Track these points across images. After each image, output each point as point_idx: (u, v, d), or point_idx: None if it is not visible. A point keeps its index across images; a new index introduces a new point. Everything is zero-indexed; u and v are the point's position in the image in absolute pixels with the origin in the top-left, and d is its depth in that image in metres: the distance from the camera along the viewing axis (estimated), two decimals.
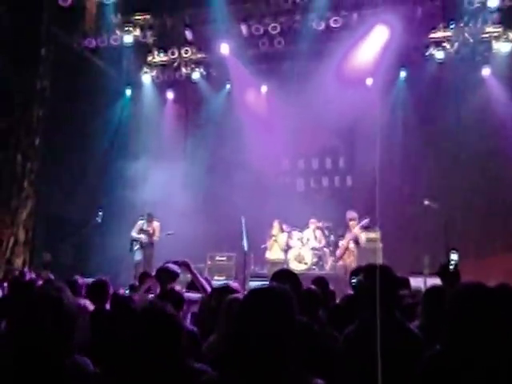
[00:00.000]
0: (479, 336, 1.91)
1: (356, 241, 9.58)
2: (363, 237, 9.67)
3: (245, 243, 9.21)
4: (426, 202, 9.46)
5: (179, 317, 2.68)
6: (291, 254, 11.15)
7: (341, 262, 9.52)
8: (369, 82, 12.20)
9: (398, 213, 11.25)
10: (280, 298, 2.00)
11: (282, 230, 11.28)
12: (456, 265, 4.34)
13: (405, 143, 11.76)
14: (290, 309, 1.99)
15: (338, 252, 9.69)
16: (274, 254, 11.17)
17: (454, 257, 4.39)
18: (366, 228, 9.81)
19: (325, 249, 11.47)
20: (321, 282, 4.84)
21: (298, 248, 11.25)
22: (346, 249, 9.52)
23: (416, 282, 6.74)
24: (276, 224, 11.16)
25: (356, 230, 9.55)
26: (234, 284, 3.93)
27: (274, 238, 11.13)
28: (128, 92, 13.30)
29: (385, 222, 10.16)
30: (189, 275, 4.74)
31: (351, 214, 9.72)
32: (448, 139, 11.34)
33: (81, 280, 4.54)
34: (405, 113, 11.94)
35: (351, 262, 9.23)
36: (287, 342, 1.92)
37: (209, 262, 11.35)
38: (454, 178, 11.23)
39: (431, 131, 11.64)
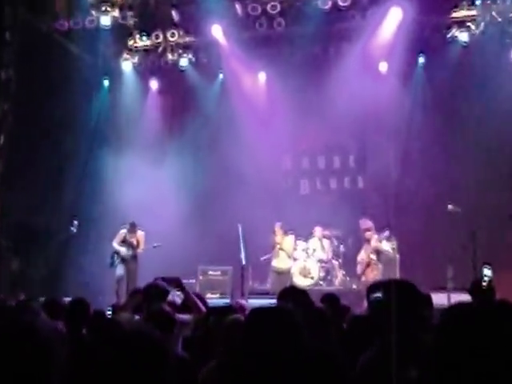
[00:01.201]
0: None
1: (378, 253, 9.61)
2: (386, 247, 9.67)
3: (242, 255, 9.27)
4: (450, 207, 9.54)
5: (168, 342, 2.72)
6: (295, 268, 11.21)
7: (363, 279, 9.55)
8: (383, 69, 12.28)
9: (417, 219, 11.32)
10: (285, 320, 2.05)
11: (287, 233, 11.31)
12: (490, 281, 4.40)
13: (425, 138, 11.82)
14: (297, 332, 2.04)
15: (359, 267, 9.72)
16: (281, 262, 11.21)
17: (487, 272, 4.46)
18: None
19: (333, 261, 11.53)
20: (331, 299, 4.90)
21: (302, 260, 11.30)
22: (368, 263, 9.57)
23: (438, 299, 6.82)
24: (277, 228, 11.20)
25: (374, 242, 9.58)
26: (242, 301, 3.97)
27: (278, 245, 11.19)
28: (106, 82, 13.33)
29: (402, 229, 10.26)
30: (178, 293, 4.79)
31: (366, 223, 9.77)
32: (474, 132, 11.37)
33: (60, 300, 4.58)
34: (424, 104, 12.01)
35: (375, 276, 9.25)
36: (294, 368, 1.97)
37: (200, 277, 11.37)
38: (482, 178, 11.27)
39: (455, 124, 11.70)
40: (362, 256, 9.76)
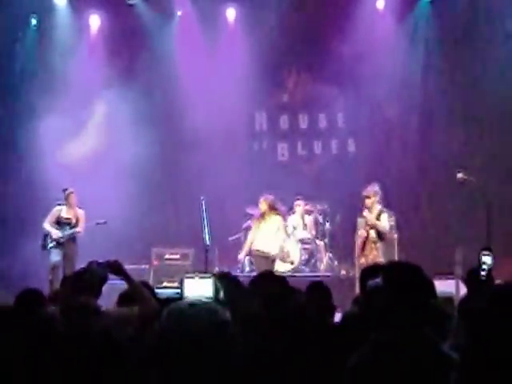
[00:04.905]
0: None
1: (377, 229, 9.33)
2: (383, 223, 9.38)
3: (206, 234, 9.26)
4: (460, 175, 9.56)
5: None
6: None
7: (362, 260, 9.33)
8: (380, 5, 12.25)
9: (420, 190, 11.41)
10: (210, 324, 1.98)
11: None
12: (489, 270, 4.47)
13: (429, 91, 11.86)
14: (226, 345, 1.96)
15: (356, 247, 9.48)
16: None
17: (486, 259, 4.52)
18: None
19: (318, 241, 11.60)
20: (319, 290, 4.89)
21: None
22: (366, 240, 9.32)
23: (443, 286, 6.90)
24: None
25: (368, 216, 9.27)
26: None
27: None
28: (33, 20, 13.05)
29: (401, 202, 10.32)
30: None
31: (371, 187, 9.40)
32: (490, 84, 11.41)
33: None
34: (429, 48, 12.02)
35: (375, 258, 9.12)
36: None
37: (155, 262, 11.36)
38: (498, 140, 11.38)
39: (466, 74, 11.73)
40: (360, 230, 9.48)
